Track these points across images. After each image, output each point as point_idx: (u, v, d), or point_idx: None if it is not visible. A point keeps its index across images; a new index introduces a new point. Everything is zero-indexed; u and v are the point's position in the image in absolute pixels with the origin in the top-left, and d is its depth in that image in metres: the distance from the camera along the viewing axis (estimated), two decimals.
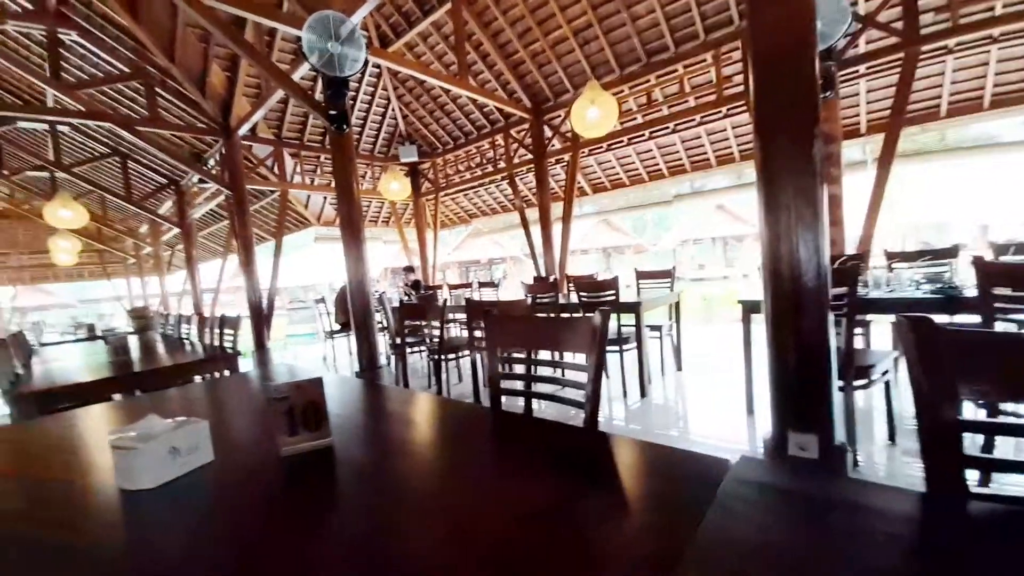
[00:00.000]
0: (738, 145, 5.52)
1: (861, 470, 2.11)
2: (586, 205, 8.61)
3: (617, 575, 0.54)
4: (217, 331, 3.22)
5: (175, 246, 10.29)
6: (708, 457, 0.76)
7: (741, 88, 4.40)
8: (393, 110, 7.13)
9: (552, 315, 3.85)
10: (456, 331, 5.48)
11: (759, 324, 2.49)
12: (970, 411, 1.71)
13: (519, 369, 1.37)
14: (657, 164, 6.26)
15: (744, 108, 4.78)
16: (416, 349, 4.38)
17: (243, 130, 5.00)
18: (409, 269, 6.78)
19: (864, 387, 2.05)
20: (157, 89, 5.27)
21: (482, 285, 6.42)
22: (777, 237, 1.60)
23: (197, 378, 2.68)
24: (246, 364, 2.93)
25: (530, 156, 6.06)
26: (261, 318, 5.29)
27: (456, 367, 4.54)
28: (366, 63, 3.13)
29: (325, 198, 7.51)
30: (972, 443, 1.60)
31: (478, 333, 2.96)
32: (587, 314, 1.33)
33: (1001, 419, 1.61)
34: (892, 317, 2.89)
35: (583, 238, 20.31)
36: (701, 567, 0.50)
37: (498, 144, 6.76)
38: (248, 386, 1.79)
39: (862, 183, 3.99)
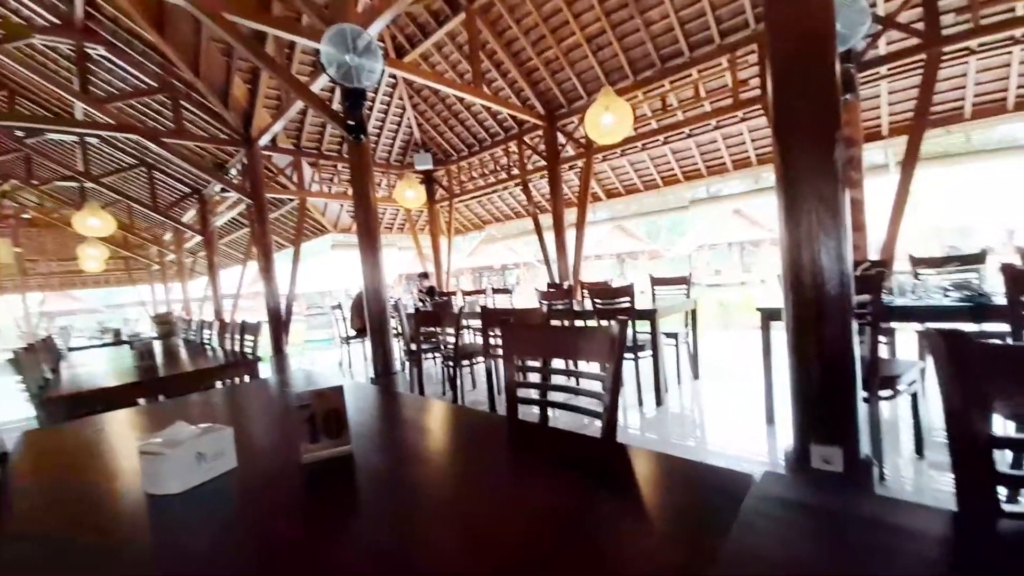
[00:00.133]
0: (755, 149, 5.45)
1: (888, 484, 2.05)
2: (600, 211, 8.60)
3: None
4: (238, 337, 3.28)
5: (197, 253, 10.55)
6: (731, 472, 0.75)
7: (758, 92, 4.36)
8: (408, 119, 7.23)
9: (568, 323, 3.84)
10: (469, 337, 5.50)
11: (779, 331, 2.45)
12: (998, 425, 1.65)
13: (534, 377, 1.36)
14: (672, 169, 6.22)
15: (761, 112, 4.73)
16: (430, 356, 4.40)
17: (263, 140, 5.12)
18: (424, 275, 6.83)
19: (890, 398, 1.99)
20: (182, 102, 5.44)
21: (496, 291, 6.44)
22: (798, 244, 1.58)
23: (218, 383, 2.74)
24: (265, 369, 2.97)
25: (544, 162, 6.08)
26: (280, 324, 5.38)
27: (470, 373, 4.55)
28: (382, 74, 3.18)
29: (342, 206, 7.63)
30: (1001, 458, 1.55)
31: (493, 340, 2.96)
32: (605, 323, 1.32)
33: None
34: (918, 325, 2.82)
35: (597, 244, 20.25)
36: None
37: (512, 151, 6.79)
38: (268, 392, 1.82)
39: (884, 187, 3.91)
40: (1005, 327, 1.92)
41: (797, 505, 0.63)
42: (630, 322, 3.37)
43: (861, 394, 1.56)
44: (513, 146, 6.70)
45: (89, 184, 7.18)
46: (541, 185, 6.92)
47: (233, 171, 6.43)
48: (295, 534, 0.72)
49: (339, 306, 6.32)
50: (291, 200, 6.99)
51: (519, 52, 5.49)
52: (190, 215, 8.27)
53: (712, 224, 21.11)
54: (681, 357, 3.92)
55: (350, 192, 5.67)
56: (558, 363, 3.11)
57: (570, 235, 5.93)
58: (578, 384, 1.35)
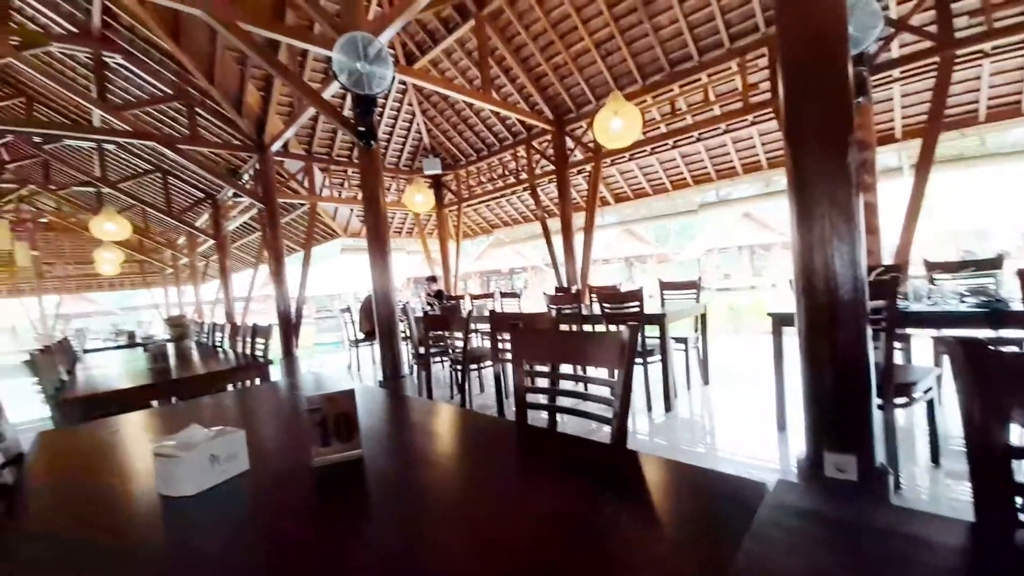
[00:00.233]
0: (766, 152, 5.42)
1: (903, 493, 2.01)
2: (608, 215, 8.57)
3: None
4: (249, 340, 3.32)
5: (210, 257, 10.70)
6: (743, 479, 0.74)
7: (768, 95, 4.34)
8: (418, 124, 7.28)
9: (576, 328, 3.83)
10: (477, 341, 5.51)
11: (790, 337, 2.42)
12: (1017, 435, 1.62)
13: (543, 382, 1.36)
14: (681, 173, 6.20)
15: (772, 115, 4.69)
16: (439, 359, 4.41)
17: (276, 146, 5.20)
18: (432, 279, 6.86)
19: (905, 405, 1.96)
20: (197, 109, 5.54)
21: (504, 295, 6.44)
22: (810, 249, 1.56)
23: (229, 386, 2.77)
24: (275, 372, 3.00)
25: (552, 167, 6.09)
26: (290, 327, 5.43)
27: (478, 377, 4.55)
28: (393, 80, 3.22)
29: (352, 210, 7.70)
30: (1019, 468, 1.51)
31: (501, 345, 2.96)
32: (615, 328, 1.32)
33: None
34: (933, 331, 2.78)
35: (605, 248, 20.17)
36: None
37: (520, 155, 6.82)
38: (279, 395, 1.84)
39: (898, 190, 3.86)
40: (1022, 333, 1.88)
41: (812, 515, 0.62)
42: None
43: (876, 401, 1.53)
44: (522, 151, 6.72)
45: (106, 189, 7.33)
46: (549, 189, 6.93)
47: (246, 176, 6.53)
48: (307, 537, 0.72)
49: (348, 309, 6.37)
50: (302, 205, 7.07)
51: (528, 58, 5.52)
52: (203, 219, 8.40)
53: (722, 228, 20.94)
54: (691, 362, 3.89)
55: (360, 197, 5.72)
56: (566, 368, 3.10)
57: (578, 239, 5.93)
58: (586, 389, 1.35)
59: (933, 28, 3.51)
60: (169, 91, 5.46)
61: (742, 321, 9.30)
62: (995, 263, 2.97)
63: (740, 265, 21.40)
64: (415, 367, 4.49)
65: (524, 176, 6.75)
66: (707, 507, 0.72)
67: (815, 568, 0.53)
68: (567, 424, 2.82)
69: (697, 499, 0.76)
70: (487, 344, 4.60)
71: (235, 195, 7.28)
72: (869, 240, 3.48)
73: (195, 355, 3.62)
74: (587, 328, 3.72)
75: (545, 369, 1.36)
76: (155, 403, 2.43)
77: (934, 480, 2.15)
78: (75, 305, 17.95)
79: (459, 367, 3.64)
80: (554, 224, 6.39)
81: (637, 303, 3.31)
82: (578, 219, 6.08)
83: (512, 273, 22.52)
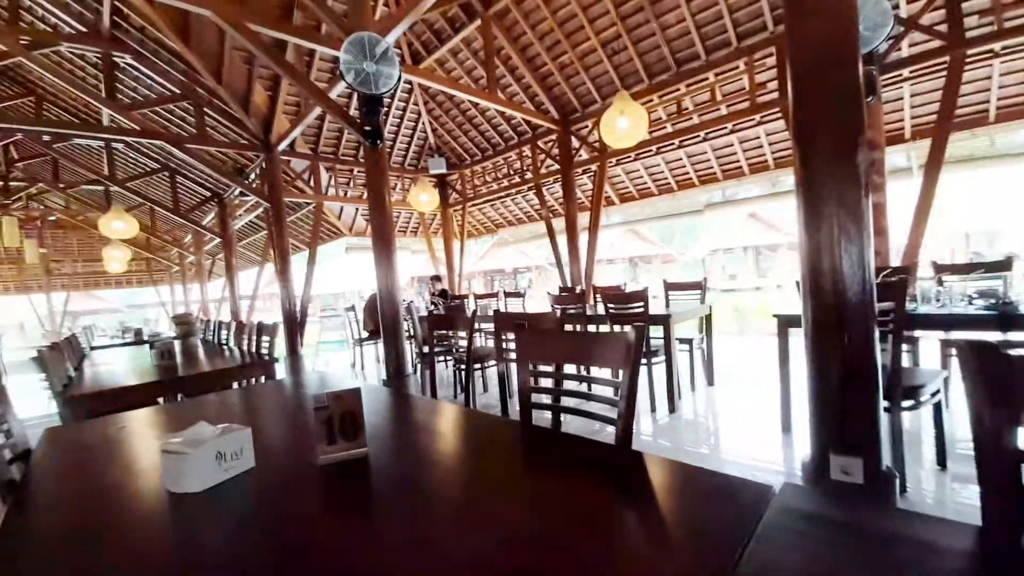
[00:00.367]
0: (772, 153, 5.38)
1: (909, 497, 2.00)
2: (613, 215, 8.56)
3: None
4: (254, 338, 3.33)
5: (216, 255, 10.77)
6: (749, 482, 0.74)
7: (776, 95, 4.31)
8: (423, 124, 7.30)
9: (581, 329, 3.82)
10: (480, 340, 5.51)
11: (796, 338, 2.40)
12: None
13: (548, 382, 1.36)
14: (687, 173, 6.17)
15: (779, 115, 4.67)
16: (442, 359, 4.42)
17: (282, 146, 5.22)
18: (436, 278, 6.87)
19: (912, 408, 1.94)
20: (205, 108, 5.58)
21: (508, 295, 6.45)
22: (818, 250, 1.55)
23: (235, 383, 2.78)
24: (280, 370, 3.01)
25: (557, 166, 6.08)
26: (295, 325, 5.45)
27: (482, 377, 4.55)
28: (399, 80, 3.23)
29: (357, 209, 7.73)
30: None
31: (506, 344, 2.96)
32: (620, 329, 1.31)
33: None
34: (942, 334, 2.75)
35: (609, 247, 20.12)
36: None
37: (525, 155, 6.81)
38: (283, 393, 1.85)
39: (907, 190, 3.82)
40: None
41: (818, 518, 0.62)
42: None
43: (882, 404, 1.52)
44: (527, 150, 6.72)
45: (114, 187, 7.39)
46: (554, 189, 6.93)
47: (252, 175, 6.57)
48: (313, 535, 0.72)
49: (353, 308, 6.40)
50: (308, 204, 7.10)
51: (534, 57, 5.51)
52: (210, 218, 8.46)
53: (727, 228, 20.82)
54: (695, 363, 3.88)
55: (365, 196, 5.74)
56: (569, 368, 3.09)
57: (582, 239, 5.92)
58: (589, 389, 1.35)
59: (943, 27, 3.48)
60: (177, 91, 5.50)
61: (747, 322, 9.25)
62: (1005, 265, 2.94)
63: (745, 266, 21.28)
64: (419, 366, 4.50)
65: (529, 176, 6.75)
66: (713, 509, 0.72)
67: (822, 572, 0.53)
68: (570, 424, 2.81)
69: (703, 501, 0.76)
70: (491, 344, 4.60)
71: (241, 194, 7.33)
72: (877, 241, 3.46)
73: (201, 353, 3.65)
74: (591, 328, 3.71)
75: (549, 369, 1.36)
76: (161, 400, 2.45)
77: (940, 484, 2.13)
78: (83, 302, 18.12)
79: (463, 366, 3.64)
80: (558, 224, 6.38)
81: (642, 303, 3.30)
82: (582, 219, 6.07)
83: (516, 273, 22.52)
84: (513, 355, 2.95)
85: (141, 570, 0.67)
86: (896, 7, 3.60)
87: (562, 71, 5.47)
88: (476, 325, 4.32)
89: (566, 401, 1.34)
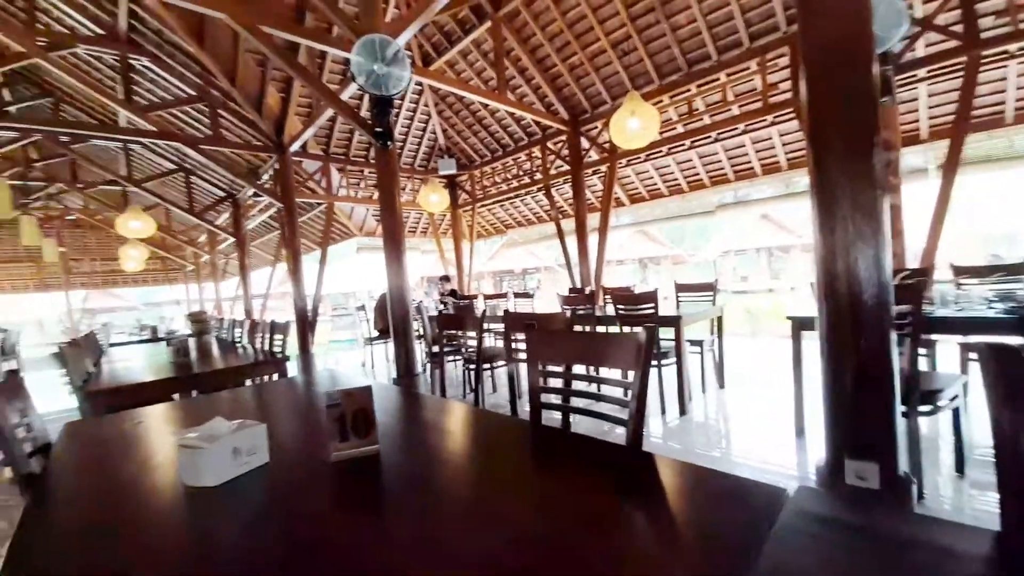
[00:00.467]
0: (786, 153, 5.32)
1: (926, 503, 1.96)
2: (623, 215, 8.52)
3: None
4: (268, 336, 3.37)
5: (230, 255, 10.92)
6: (763, 485, 0.73)
7: (789, 95, 4.26)
8: (433, 125, 7.33)
9: (590, 329, 3.81)
10: (489, 341, 5.52)
11: (810, 341, 2.37)
12: None
13: (557, 382, 1.36)
14: (698, 174, 6.13)
15: (792, 115, 4.62)
16: (452, 358, 4.43)
17: (294, 147, 5.28)
18: (445, 278, 6.90)
19: (930, 413, 1.90)
20: (219, 110, 5.66)
21: (517, 296, 6.45)
22: (833, 252, 1.53)
23: (248, 381, 2.82)
24: (291, 368, 3.05)
25: (567, 167, 6.07)
26: (306, 324, 5.51)
27: (491, 377, 4.56)
28: (410, 82, 3.25)
29: (368, 209, 7.79)
30: None
31: (516, 344, 2.97)
32: (632, 329, 1.31)
33: None
34: (960, 337, 2.70)
35: (619, 248, 20.02)
36: None
37: (535, 156, 6.81)
38: (296, 391, 1.87)
39: (924, 191, 3.76)
40: None
41: (835, 522, 0.61)
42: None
43: (900, 408, 1.50)
44: (536, 151, 6.72)
45: (131, 188, 7.53)
46: (564, 190, 6.92)
47: (265, 176, 6.65)
48: (327, 530, 0.73)
49: (363, 307, 6.44)
50: (319, 204, 7.17)
51: (544, 58, 5.51)
52: (224, 218, 8.58)
53: (739, 229, 20.62)
54: (706, 365, 3.84)
55: (376, 196, 5.78)
56: (578, 369, 3.09)
57: (592, 240, 5.90)
58: (599, 390, 1.34)
59: (959, 28, 3.42)
60: (193, 93, 5.59)
61: (759, 324, 9.15)
62: None
63: (757, 267, 21.04)
64: (428, 365, 4.52)
65: (539, 176, 6.75)
66: (726, 512, 0.71)
67: (839, 575, 0.52)
68: (579, 424, 2.81)
69: (715, 503, 0.76)
70: (499, 344, 4.61)
71: (255, 194, 7.42)
72: (893, 243, 3.40)
73: (215, 350, 3.70)
74: (601, 329, 3.70)
75: (559, 369, 1.36)
76: (176, 396, 2.49)
77: (958, 490, 2.09)
78: (100, 300, 18.49)
79: (472, 366, 3.65)
80: (568, 224, 6.37)
81: (652, 305, 3.28)
82: (592, 220, 6.06)
83: (525, 273, 22.50)
84: (522, 355, 2.96)
85: (161, 562, 0.69)
86: (911, 7, 3.55)
87: (572, 72, 5.47)
88: (485, 325, 4.33)
89: (575, 402, 1.34)
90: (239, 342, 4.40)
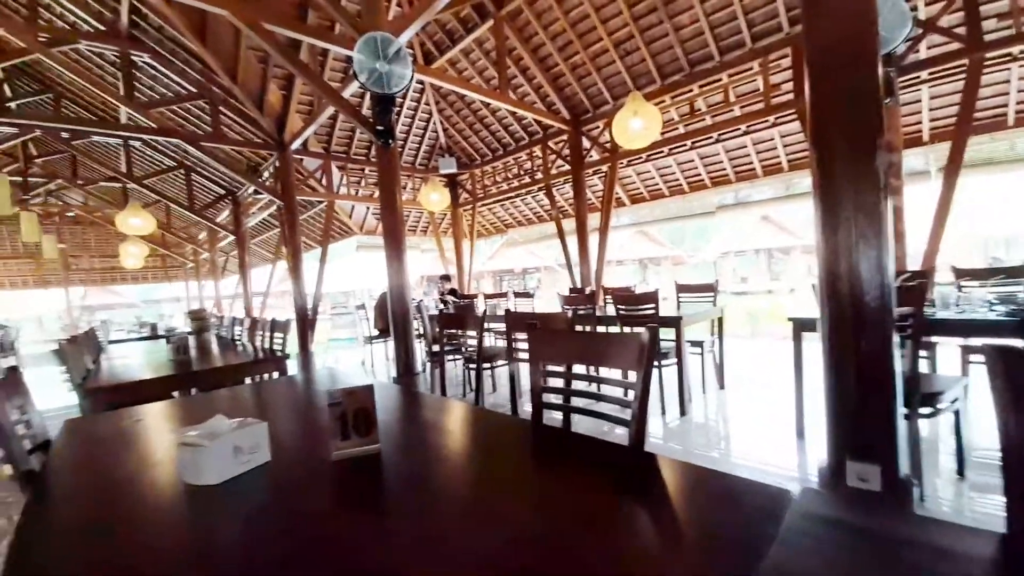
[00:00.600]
0: (787, 154, 5.32)
1: (926, 505, 1.96)
2: (623, 216, 8.52)
3: None
4: (267, 334, 3.37)
5: (230, 252, 10.92)
6: (768, 487, 0.73)
7: (791, 96, 4.26)
8: (434, 123, 7.33)
9: (590, 329, 3.81)
10: (489, 340, 5.51)
11: (810, 343, 2.37)
12: None
13: (558, 382, 1.36)
14: (699, 174, 6.12)
15: (794, 116, 4.62)
16: (452, 357, 4.43)
17: (295, 145, 5.27)
18: (446, 278, 6.89)
19: (931, 415, 1.90)
20: (220, 107, 5.65)
21: (517, 295, 6.45)
22: (836, 254, 1.53)
23: (247, 379, 2.81)
24: (291, 366, 3.04)
25: (567, 167, 6.07)
26: (306, 322, 5.50)
27: (490, 376, 4.55)
28: (411, 80, 3.24)
29: (368, 208, 7.78)
30: None
31: (517, 344, 2.96)
32: (633, 330, 1.31)
33: None
34: (960, 340, 2.70)
35: (619, 248, 20.00)
36: None
37: (535, 155, 6.81)
38: (296, 389, 1.87)
39: (925, 193, 3.76)
40: None
41: (841, 524, 0.61)
42: None
43: (901, 411, 1.49)
44: (537, 151, 6.71)
45: (131, 185, 7.52)
46: (565, 190, 6.92)
47: (266, 174, 6.64)
48: (328, 528, 0.73)
49: (363, 306, 6.44)
50: (320, 202, 7.17)
51: (546, 58, 5.51)
52: (224, 215, 8.58)
53: (739, 230, 20.60)
54: (706, 366, 3.84)
55: (376, 195, 5.78)
56: (579, 368, 3.09)
57: (592, 240, 5.90)
58: (599, 390, 1.34)
59: (962, 30, 3.42)
60: (194, 90, 5.58)
61: (759, 325, 9.15)
62: None
63: (757, 269, 21.04)
64: (428, 364, 4.52)
65: (539, 176, 6.75)
66: (731, 513, 0.71)
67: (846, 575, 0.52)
68: (579, 424, 2.80)
69: (720, 504, 0.75)
70: (499, 344, 4.60)
71: (255, 192, 7.42)
72: (895, 245, 3.40)
73: (215, 348, 3.69)
74: (601, 329, 3.70)
75: (560, 369, 1.36)
76: (176, 394, 2.49)
77: (958, 492, 2.08)
78: (100, 297, 18.47)
79: (472, 366, 3.65)
80: (568, 224, 6.37)
81: (652, 305, 3.28)
82: (593, 220, 6.05)
83: (525, 273, 22.49)
84: (523, 355, 2.95)
85: (162, 560, 0.68)
86: (914, 9, 3.55)
87: (574, 71, 5.46)
88: (485, 325, 4.32)
89: (576, 401, 1.34)
90: (239, 340, 4.39)
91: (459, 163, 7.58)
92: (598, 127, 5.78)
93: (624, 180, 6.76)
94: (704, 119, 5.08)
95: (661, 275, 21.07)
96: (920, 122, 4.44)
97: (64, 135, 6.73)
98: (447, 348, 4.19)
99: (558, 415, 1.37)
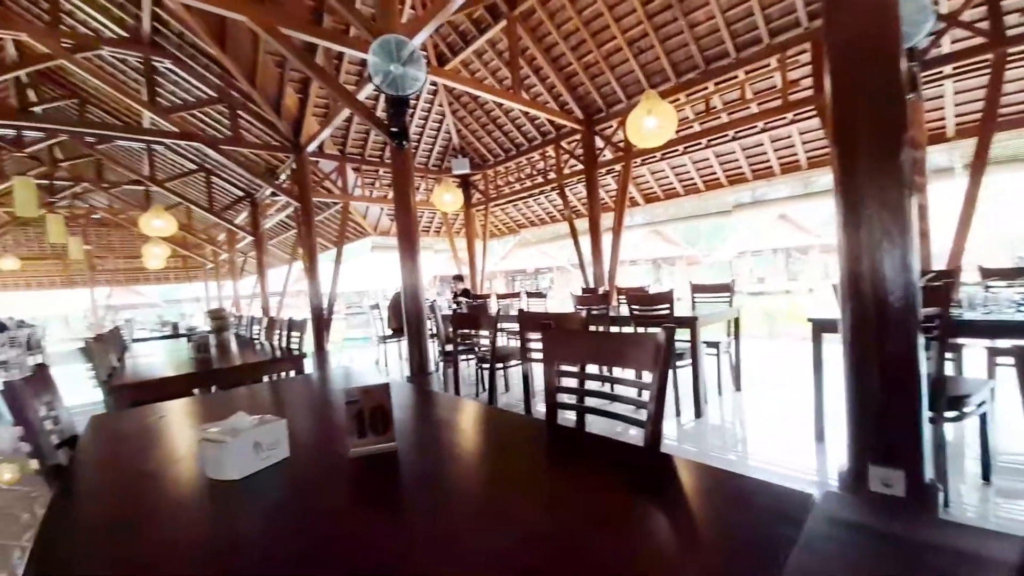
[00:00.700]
0: (806, 152, 5.22)
1: (950, 510, 1.90)
2: (637, 215, 8.45)
3: None
4: (285, 333, 3.42)
5: (248, 253, 11.11)
6: (788, 490, 0.71)
7: (810, 92, 4.18)
8: (448, 124, 7.36)
9: (604, 329, 3.79)
10: (502, 340, 5.52)
11: (830, 344, 2.32)
12: None
13: (572, 382, 1.35)
14: (715, 173, 6.05)
15: (813, 113, 4.52)
16: (465, 357, 4.44)
17: (312, 147, 5.35)
18: (459, 278, 6.92)
19: (956, 419, 1.85)
20: (239, 111, 5.77)
21: (530, 295, 6.44)
22: (858, 252, 1.49)
23: (265, 377, 2.86)
24: (307, 365, 3.09)
25: (580, 167, 6.04)
26: (322, 322, 5.58)
27: (503, 376, 4.56)
28: (425, 82, 3.26)
29: (382, 209, 7.86)
30: None
31: (530, 344, 2.96)
32: (649, 330, 1.30)
33: None
34: (987, 341, 2.61)
35: (633, 248, 19.84)
36: None
37: (548, 155, 6.80)
38: (313, 387, 1.89)
39: (950, 191, 3.66)
40: None
41: (864, 528, 0.59)
42: None
43: (926, 414, 1.45)
44: (550, 151, 6.70)
45: (154, 187, 7.71)
46: (578, 189, 6.89)
47: (283, 176, 6.75)
48: (346, 524, 0.74)
49: (377, 306, 6.50)
50: (335, 204, 7.26)
51: (559, 57, 5.50)
52: (242, 217, 8.74)
53: (755, 230, 20.26)
54: (722, 367, 3.79)
55: (390, 196, 5.83)
56: (592, 369, 3.07)
57: (606, 240, 5.87)
58: (612, 390, 1.33)
59: (985, 24, 3.32)
60: (214, 94, 5.70)
61: (777, 326, 8.99)
62: None
63: (775, 268, 20.68)
64: (441, 364, 4.54)
65: (552, 176, 6.74)
66: (750, 516, 0.70)
67: None
68: (592, 424, 2.79)
69: (739, 507, 0.74)
70: (512, 344, 4.61)
71: (272, 194, 7.54)
72: (920, 244, 3.31)
73: (234, 347, 3.76)
74: (615, 330, 3.67)
75: (574, 369, 1.35)
76: (196, 391, 2.54)
77: (984, 498, 2.02)
78: (124, 297, 18.96)
79: (485, 365, 3.66)
80: (581, 224, 6.34)
81: (667, 305, 3.24)
82: (606, 219, 6.02)
83: (537, 273, 22.46)
84: (536, 355, 2.95)
85: (186, 554, 0.70)
86: (936, 3, 3.45)
87: (587, 71, 5.44)
88: (498, 325, 4.33)
89: (589, 402, 1.33)
90: (257, 339, 4.47)
91: (472, 164, 7.61)
92: (611, 126, 5.75)
93: (638, 179, 6.71)
94: (720, 117, 5.02)
95: (675, 275, 20.85)
96: (944, 118, 4.31)
97: (89, 139, 6.93)
98: (460, 348, 4.21)
99: (572, 415, 1.36)
